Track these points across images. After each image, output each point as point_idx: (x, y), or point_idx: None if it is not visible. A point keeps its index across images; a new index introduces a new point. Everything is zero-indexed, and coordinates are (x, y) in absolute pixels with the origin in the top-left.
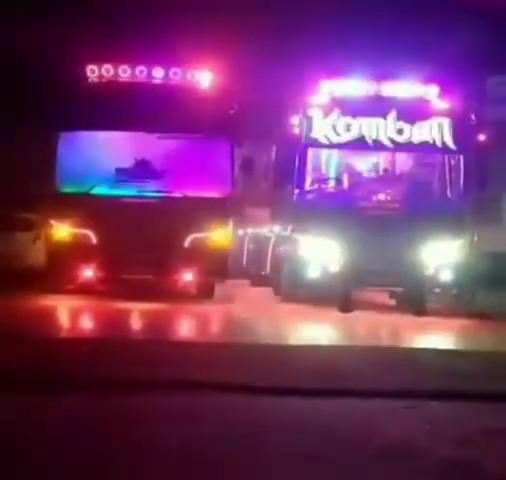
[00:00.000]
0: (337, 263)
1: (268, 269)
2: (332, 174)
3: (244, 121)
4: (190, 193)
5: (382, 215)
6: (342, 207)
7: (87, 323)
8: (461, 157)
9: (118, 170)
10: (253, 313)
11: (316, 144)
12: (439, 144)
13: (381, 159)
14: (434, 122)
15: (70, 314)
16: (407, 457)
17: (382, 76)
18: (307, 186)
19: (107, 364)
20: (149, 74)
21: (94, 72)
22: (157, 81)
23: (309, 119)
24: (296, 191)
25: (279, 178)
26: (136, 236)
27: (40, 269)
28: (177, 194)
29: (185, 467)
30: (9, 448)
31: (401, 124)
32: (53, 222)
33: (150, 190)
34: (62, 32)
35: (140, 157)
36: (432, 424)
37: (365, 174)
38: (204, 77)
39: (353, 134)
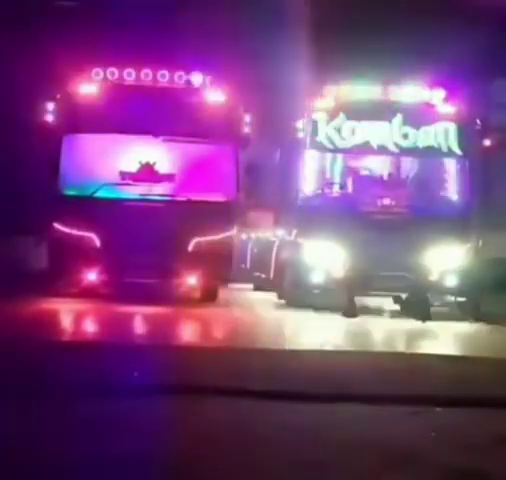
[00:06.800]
0: (341, 268)
1: (272, 273)
2: (336, 178)
3: (249, 124)
4: (194, 197)
5: (387, 220)
6: (346, 211)
7: (90, 327)
8: (466, 162)
9: (122, 173)
10: (256, 317)
11: (321, 148)
12: (444, 149)
13: (386, 163)
14: (439, 126)
15: (73, 318)
16: (412, 465)
17: (387, 80)
18: (311, 190)
19: (108, 368)
20: (154, 77)
21: (99, 75)
22: (162, 84)
23: (314, 123)
24: (300, 195)
25: (283, 182)
26: (140, 239)
27: (43, 272)
28: (181, 198)
29: (185, 471)
30: (9, 448)
31: (406, 128)
32: (56, 225)
33: (154, 194)
34: (66, 34)
35: (144, 160)
36: (438, 431)
37: (370, 178)
38: (209, 80)
39: (358, 138)
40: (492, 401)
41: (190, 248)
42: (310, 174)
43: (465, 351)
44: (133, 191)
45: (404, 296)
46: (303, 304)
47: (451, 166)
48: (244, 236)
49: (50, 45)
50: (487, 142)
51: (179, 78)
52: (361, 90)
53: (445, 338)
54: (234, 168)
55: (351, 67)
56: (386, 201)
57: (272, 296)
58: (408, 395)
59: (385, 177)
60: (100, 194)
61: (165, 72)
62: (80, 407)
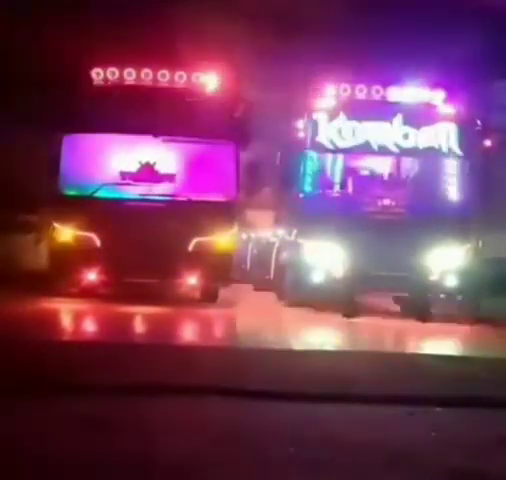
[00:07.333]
0: (341, 268)
1: (272, 274)
2: (337, 178)
3: (249, 124)
4: (194, 197)
5: (387, 220)
6: (347, 212)
7: (89, 326)
8: (466, 162)
9: (122, 173)
10: (256, 318)
11: (321, 148)
12: (444, 149)
13: (386, 164)
14: (440, 127)
15: (72, 317)
16: (412, 465)
17: (388, 80)
18: (312, 190)
19: (108, 368)
20: (154, 77)
21: (99, 75)
22: (162, 84)
23: (314, 123)
24: (300, 195)
25: (284, 182)
26: (140, 239)
27: (42, 272)
28: (181, 197)
29: (185, 471)
30: (8, 450)
31: (407, 129)
32: (56, 225)
33: (154, 194)
34: (67, 34)
35: (144, 160)
36: (438, 431)
37: (370, 179)
38: (209, 80)
39: (358, 139)
40: (492, 401)
41: (190, 248)
42: (310, 174)
43: (465, 351)
44: (133, 191)
45: (404, 296)
46: (303, 304)
47: (451, 166)
48: (244, 236)
49: (50, 44)
50: (487, 143)
51: (179, 78)
52: (361, 90)
53: (445, 338)
54: (234, 168)
55: (352, 67)
56: (386, 201)
57: (272, 296)
58: (408, 395)
59: (385, 177)
60: (100, 194)
61: (165, 72)
62: (80, 406)
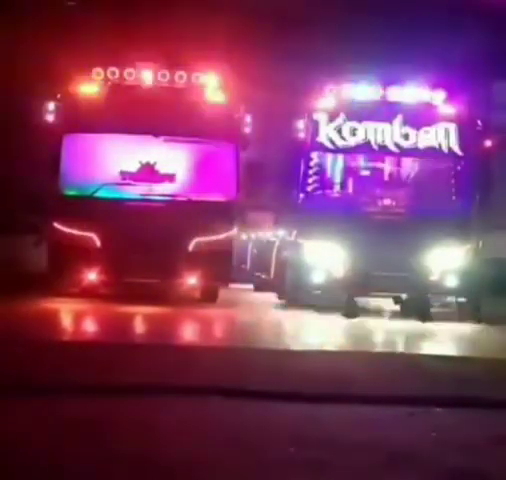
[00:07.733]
0: (342, 268)
1: (272, 274)
2: (337, 179)
3: (249, 124)
4: (195, 197)
5: (387, 220)
6: (347, 212)
7: (89, 326)
8: (466, 162)
9: (122, 173)
10: (256, 318)
11: (321, 148)
12: (445, 149)
13: (387, 164)
14: (440, 127)
15: (73, 317)
16: (412, 465)
17: (388, 81)
18: (312, 190)
19: (108, 368)
20: (155, 77)
21: (99, 75)
22: (162, 84)
23: (315, 123)
24: (301, 195)
25: (284, 182)
26: (140, 239)
27: (43, 272)
28: (182, 198)
29: (186, 472)
30: (8, 450)
31: (407, 129)
32: (57, 225)
33: (154, 194)
34: (67, 34)
35: (144, 160)
36: (438, 431)
37: (370, 179)
38: (209, 80)
39: (359, 139)
40: (492, 401)
41: (190, 248)
42: (310, 174)
43: (465, 351)
44: (133, 191)
45: (404, 297)
46: (303, 304)
47: (451, 167)
48: (244, 236)
49: (51, 44)
50: (487, 143)
51: (179, 78)
52: (362, 90)
53: (445, 338)
54: (234, 168)
55: (352, 68)
56: (386, 201)
57: (272, 296)
58: (408, 395)
59: (386, 177)
60: (100, 194)
61: (165, 72)
62: (80, 407)
